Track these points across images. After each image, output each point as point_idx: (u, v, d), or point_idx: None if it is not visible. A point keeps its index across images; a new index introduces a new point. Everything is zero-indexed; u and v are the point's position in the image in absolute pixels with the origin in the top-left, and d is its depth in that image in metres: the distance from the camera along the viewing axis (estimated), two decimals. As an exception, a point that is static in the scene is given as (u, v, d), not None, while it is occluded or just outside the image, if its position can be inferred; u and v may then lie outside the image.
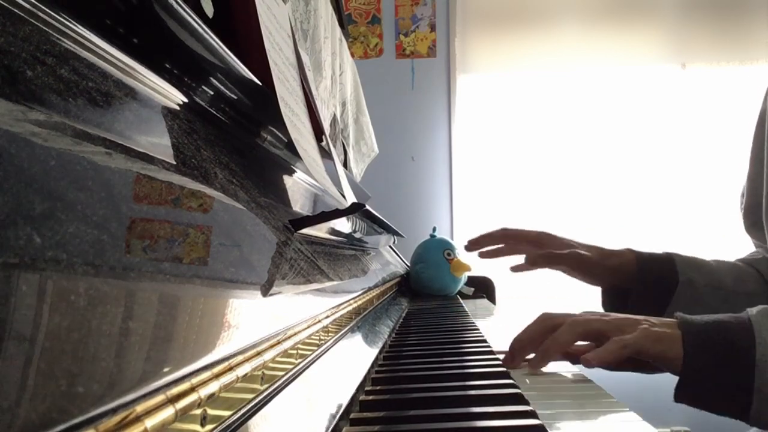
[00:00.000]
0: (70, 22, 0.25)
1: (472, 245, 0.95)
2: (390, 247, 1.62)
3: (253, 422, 0.29)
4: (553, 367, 0.63)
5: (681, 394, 0.58)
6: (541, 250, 0.89)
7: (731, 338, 0.56)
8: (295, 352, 0.39)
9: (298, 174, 0.62)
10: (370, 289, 0.84)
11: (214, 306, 0.28)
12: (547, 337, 0.62)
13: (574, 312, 0.66)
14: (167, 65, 0.36)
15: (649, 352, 0.58)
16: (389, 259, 1.45)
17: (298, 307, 0.41)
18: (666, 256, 0.87)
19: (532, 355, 0.63)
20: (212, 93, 0.43)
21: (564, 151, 2.58)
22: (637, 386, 1.99)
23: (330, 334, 0.52)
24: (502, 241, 0.94)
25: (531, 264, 0.88)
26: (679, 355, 0.57)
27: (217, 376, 0.25)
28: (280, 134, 0.56)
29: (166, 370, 0.21)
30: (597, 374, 0.60)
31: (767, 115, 0.85)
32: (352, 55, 1.70)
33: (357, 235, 0.89)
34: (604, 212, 2.55)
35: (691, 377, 0.57)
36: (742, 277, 0.86)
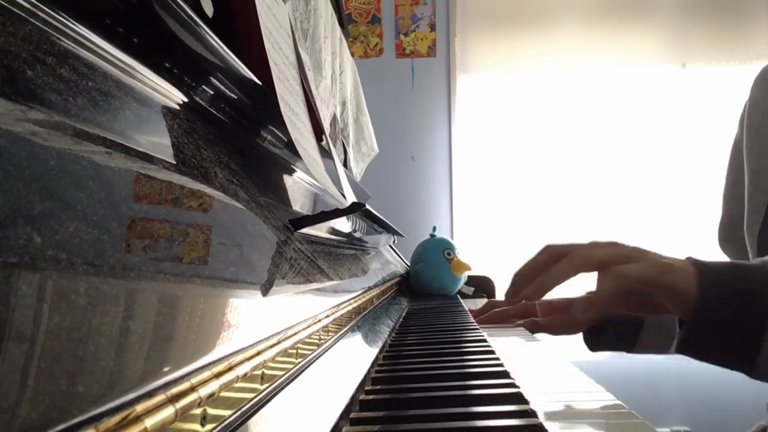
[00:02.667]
0: (70, 22, 0.25)
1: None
2: (390, 246, 1.62)
3: (253, 422, 0.29)
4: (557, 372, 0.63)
5: (688, 338, 0.54)
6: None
7: (750, 281, 0.52)
8: (295, 351, 0.39)
9: (298, 174, 0.62)
10: (370, 288, 0.84)
11: (214, 306, 0.28)
12: (549, 267, 0.59)
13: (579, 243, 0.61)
14: (167, 65, 0.36)
15: (658, 282, 0.54)
16: (389, 259, 1.45)
17: (298, 307, 0.41)
18: None
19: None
20: (212, 93, 0.43)
21: (564, 151, 2.58)
22: (638, 386, 1.99)
23: (330, 333, 0.52)
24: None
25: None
26: (691, 291, 0.53)
27: (217, 375, 0.25)
28: (280, 134, 0.56)
29: (166, 369, 0.21)
30: (597, 375, 0.60)
31: (744, 137, 0.87)
32: (352, 54, 1.70)
33: (357, 235, 0.89)
34: (603, 212, 2.55)
35: (703, 318, 0.52)
36: None
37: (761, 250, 0.83)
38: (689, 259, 0.56)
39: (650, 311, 0.59)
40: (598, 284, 0.61)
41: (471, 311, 1.07)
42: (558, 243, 0.62)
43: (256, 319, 0.32)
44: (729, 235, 0.94)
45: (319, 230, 0.63)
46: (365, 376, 0.53)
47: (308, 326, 0.43)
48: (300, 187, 0.61)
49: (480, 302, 1.47)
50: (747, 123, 0.86)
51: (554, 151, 2.58)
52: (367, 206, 0.87)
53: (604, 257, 0.57)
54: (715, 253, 1.01)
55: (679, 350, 0.56)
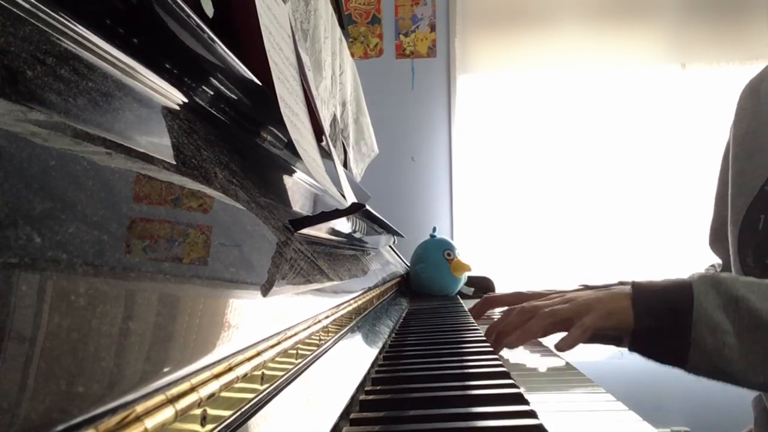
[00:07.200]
0: (70, 22, 0.25)
1: (476, 317, 1.06)
2: (390, 247, 1.62)
3: (253, 422, 0.29)
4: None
5: (634, 348, 0.71)
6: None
7: (673, 303, 0.68)
8: (295, 352, 0.39)
9: (298, 174, 0.62)
10: (370, 289, 0.84)
11: (214, 306, 0.28)
12: (523, 323, 0.75)
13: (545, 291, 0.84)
14: (167, 65, 0.36)
15: (605, 327, 0.71)
16: (389, 259, 1.45)
17: (298, 307, 0.41)
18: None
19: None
20: (212, 93, 0.43)
21: (564, 151, 2.58)
22: (638, 386, 1.99)
23: (330, 334, 0.52)
24: (488, 308, 1.08)
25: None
26: (629, 323, 0.70)
27: (217, 376, 0.25)
28: (280, 134, 0.56)
29: (166, 370, 0.21)
30: (597, 375, 0.60)
31: (731, 143, 0.92)
32: (352, 55, 1.70)
33: (357, 235, 0.89)
34: (603, 212, 2.55)
35: (640, 336, 0.70)
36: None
37: (741, 249, 0.86)
38: (631, 286, 0.72)
39: (606, 341, 0.78)
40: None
41: (471, 311, 1.08)
42: (527, 305, 0.79)
43: (256, 319, 0.32)
44: (719, 237, 0.99)
45: (319, 231, 0.63)
46: (365, 377, 0.53)
47: (308, 327, 0.43)
48: (300, 187, 0.61)
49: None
50: (734, 131, 0.93)
51: (554, 151, 2.58)
52: (367, 207, 0.87)
53: (566, 315, 0.73)
54: (708, 253, 1.04)
55: (631, 350, 0.72)
